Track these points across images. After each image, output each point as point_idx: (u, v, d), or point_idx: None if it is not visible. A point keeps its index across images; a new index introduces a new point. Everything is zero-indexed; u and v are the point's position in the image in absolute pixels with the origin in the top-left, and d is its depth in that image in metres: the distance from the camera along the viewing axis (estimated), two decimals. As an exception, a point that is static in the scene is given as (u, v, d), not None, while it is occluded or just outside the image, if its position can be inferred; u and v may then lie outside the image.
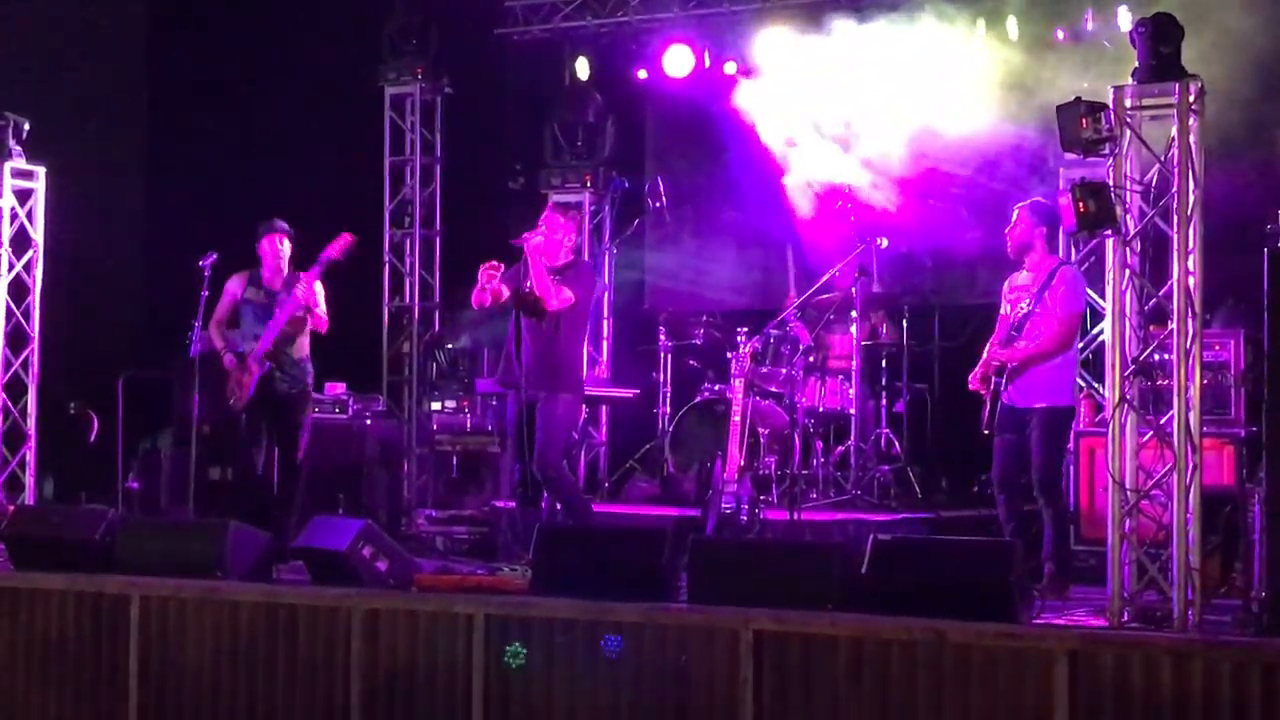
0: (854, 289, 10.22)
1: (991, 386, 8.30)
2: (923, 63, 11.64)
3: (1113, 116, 6.95)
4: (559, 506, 8.93)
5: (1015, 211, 8.57)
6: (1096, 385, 9.60)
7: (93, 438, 11.39)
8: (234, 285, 9.67)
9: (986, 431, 8.48)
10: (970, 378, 8.55)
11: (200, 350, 9.69)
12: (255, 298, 9.62)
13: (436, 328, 12.81)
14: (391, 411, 12.28)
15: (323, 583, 7.97)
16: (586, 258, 12.45)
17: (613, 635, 7.03)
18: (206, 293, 9.53)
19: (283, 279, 9.60)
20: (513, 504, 9.37)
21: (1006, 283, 8.67)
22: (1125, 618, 6.81)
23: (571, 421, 9.03)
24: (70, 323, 11.71)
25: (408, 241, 12.82)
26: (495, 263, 8.66)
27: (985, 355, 8.48)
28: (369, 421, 11.38)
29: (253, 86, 13.03)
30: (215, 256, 9.62)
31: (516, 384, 8.75)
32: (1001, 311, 8.66)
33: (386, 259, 12.76)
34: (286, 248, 9.64)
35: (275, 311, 9.40)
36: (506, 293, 8.75)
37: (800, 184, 12.13)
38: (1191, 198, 6.84)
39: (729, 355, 9.59)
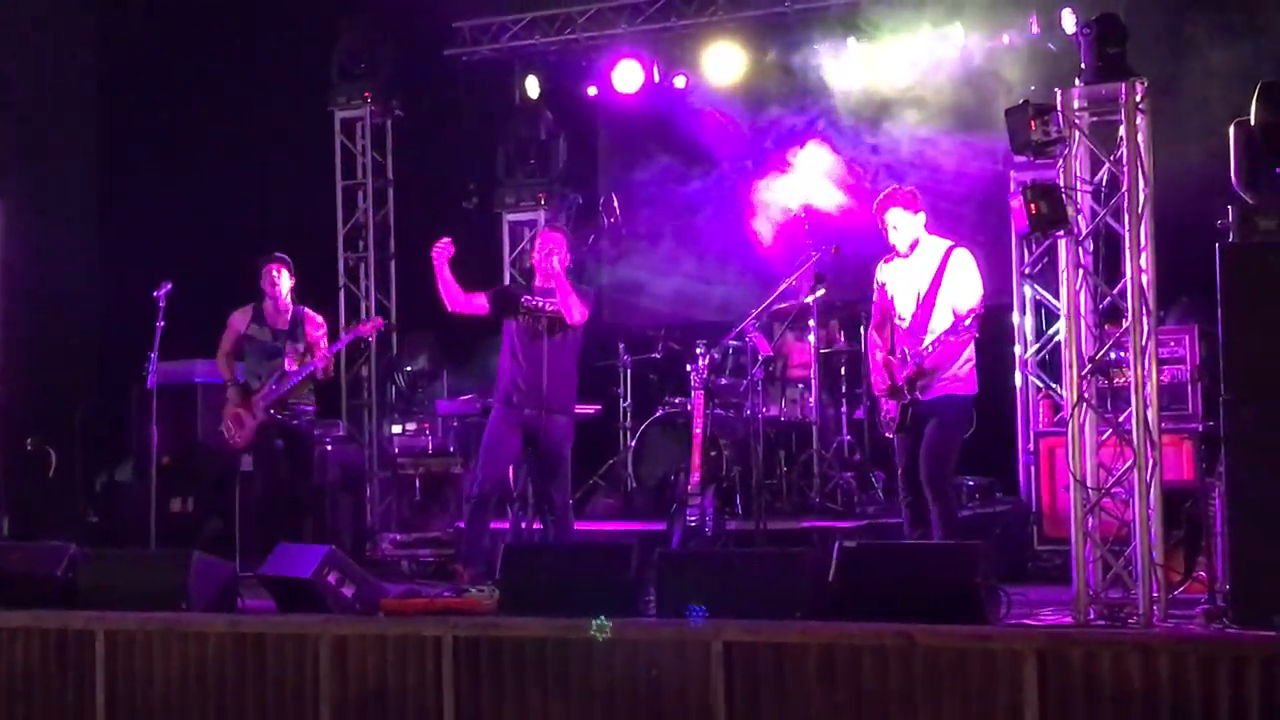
0: (810, 297, 10.25)
1: (906, 399, 8.18)
2: (871, 70, 11.73)
3: (1061, 118, 7.01)
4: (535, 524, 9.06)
5: (891, 213, 8.27)
6: (1054, 385, 9.66)
7: (51, 473, 11.30)
8: (238, 320, 9.98)
9: (890, 435, 8.40)
10: (875, 385, 8.43)
11: (158, 381, 9.70)
12: (259, 335, 9.94)
13: (394, 350, 12.77)
14: (352, 436, 12.24)
15: (289, 610, 7.92)
16: (514, 273, 12.50)
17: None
18: (162, 323, 9.60)
19: (288, 317, 9.90)
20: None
21: (879, 270, 8.48)
22: (1091, 615, 6.85)
23: (572, 441, 9.17)
24: (25, 356, 11.62)
25: (362, 265, 12.79)
26: (445, 241, 8.78)
27: (882, 354, 8.33)
28: (330, 447, 11.35)
29: (203, 114, 12.98)
30: (170, 286, 9.67)
31: (520, 406, 8.84)
32: (874, 300, 8.52)
33: (342, 283, 12.72)
34: (285, 280, 9.95)
35: (285, 364, 9.77)
36: (486, 307, 8.95)
37: (755, 195, 12.20)
38: (1141, 196, 6.90)
39: (688, 368, 9.59)
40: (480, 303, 8.96)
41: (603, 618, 7.07)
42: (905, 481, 8.34)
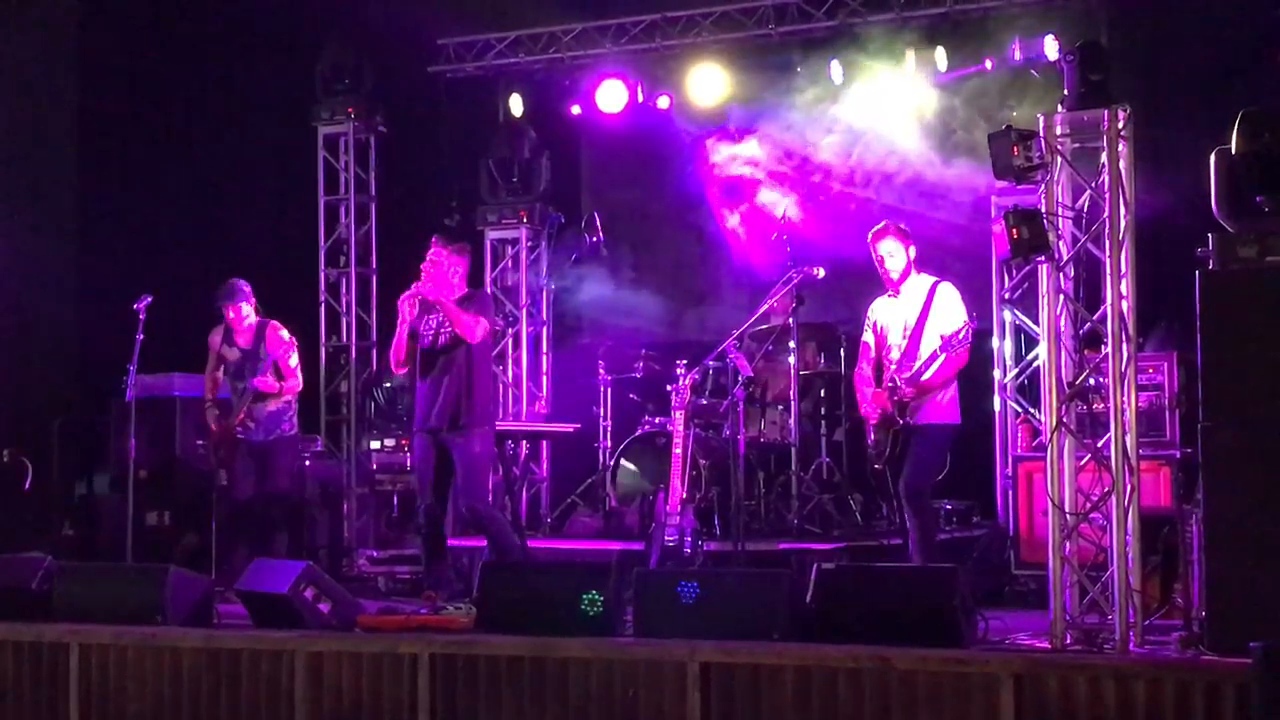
0: (791, 319, 10.26)
1: (898, 426, 8.31)
2: (854, 95, 11.77)
3: (1043, 144, 7.05)
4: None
5: (886, 242, 8.49)
6: (1033, 410, 9.68)
7: (27, 485, 11.25)
8: (213, 340, 10.09)
9: (879, 467, 8.49)
10: (867, 412, 8.57)
11: (137, 394, 9.69)
12: (230, 355, 10.02)
13: (374, 366, 12.75)
14: (330, 452, 12.21)
15: (265, 626, 7.90)
16: (496, 290, 12.47)
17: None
18: (142, 336, 9.58)
19: (252, 333, 9.96)
20: (455, 542, 9.39)
21: (871, 308, 8.68)
22: (1068, 640, 6.86)
23: (491, 456, 9.14)
24: (3, 367, 11.58)
25: (344, 280, 12.77)
26: (412, 292, 8.77)
27: (870, 389, 8.49)
28: (308, 462, 11.30)
29: (185, 127, 12.97)
30: (150, 299, 9.65)
31: (430, 428, 8.79)
32: (864, 339, 8.68)
33: (323, 298, 12.70)
34: (246, 310, 9.99)
35: (250, 382, 9.80)
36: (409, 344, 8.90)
37: (737, 215, 12.23)
38: (1122, 222, 6.93)
39: (669, 388, 9.60)
40: (410, 348, 8.95)
41: (595, 593, 7.21)
42: (901, 508, 8.47)
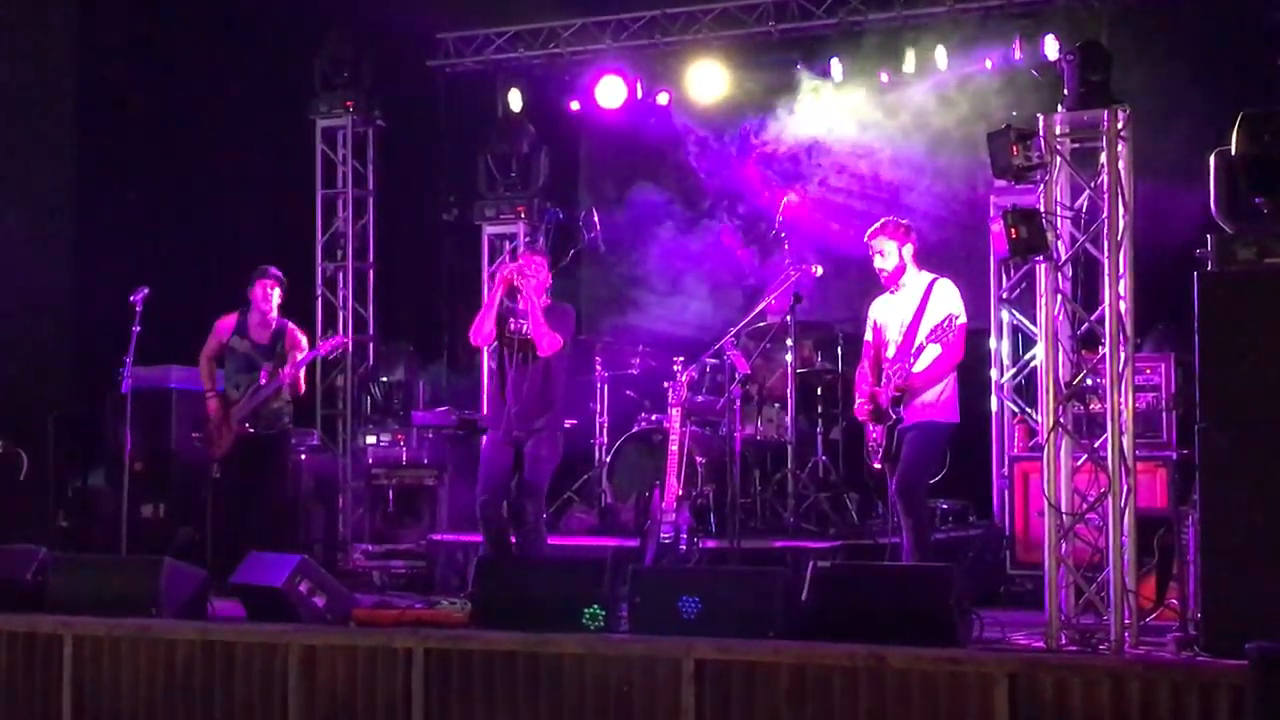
0: (788, 316, 10.26)
1: (890, 420, 8.27)
2: (853, 93, 11.78)
3: (1042, 143, 7.04)
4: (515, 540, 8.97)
5: (878, 241, 8.41)
6: (1030, 410, 9.68)
7: (22, 476, 11.24)
8: (223, 327, 10.09)
9: (879, 465, 8.45)
10: (858, 410, 8.53)
11: (132, 386, 9.69)
12: (239, 346, 10.03)
13: (371, 361, 12.75)
14: (326, 446, 12.20)
15: (259, 619, 7.89)
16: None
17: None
18: (138, 328, 9.56)
19: (270, 332, 9.98)
20: (451, 537, 9.38)
21: (871, 307, 8.62)
22: (1063, 640, 6.86)
23: (557, 461, 9.11)
24: (-1, 358, 11.55)
25: (341, 274, 12.76)
26: (509, 276, 8.72)
27: (868, 387, 8.42)
28: (304, 456, 11.29)
29: (183, 120, 12.94)
30: (146, 291, 9.64)
31: (504, 426, 8.74)
32: (865, 337, 8.63)
33: (319, 292, 12.69)
34: (277, 295, 10.04)
35: (260, 377, 9.85)
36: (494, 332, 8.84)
37: (736, 212, 12.24)
38: (1121, 223, 6.93)
39: (666, 385, 9.59)
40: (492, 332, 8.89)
41: (596, 607, 7.20)
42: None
